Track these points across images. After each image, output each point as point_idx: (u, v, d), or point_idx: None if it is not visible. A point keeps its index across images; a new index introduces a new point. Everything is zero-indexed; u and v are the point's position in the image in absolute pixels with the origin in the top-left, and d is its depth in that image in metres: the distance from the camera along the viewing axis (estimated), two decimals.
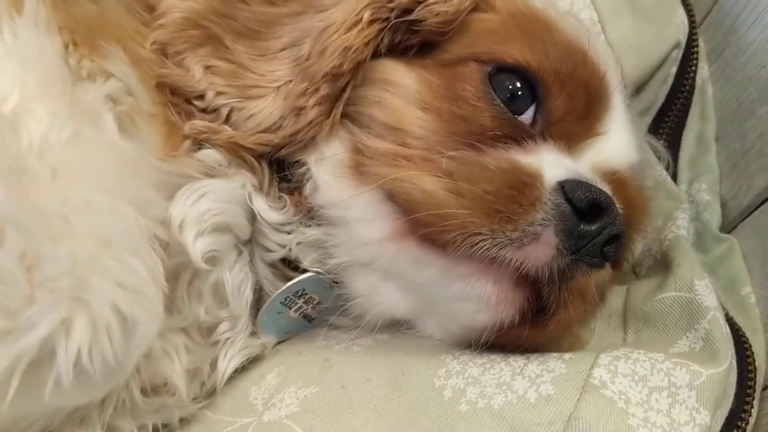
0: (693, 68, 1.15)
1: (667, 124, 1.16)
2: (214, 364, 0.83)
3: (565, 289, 0.71)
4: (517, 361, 0.73)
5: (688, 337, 0.79)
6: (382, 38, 0.81)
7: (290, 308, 0.84)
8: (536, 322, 0.73)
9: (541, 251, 0.69)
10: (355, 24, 0.78)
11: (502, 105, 0.77)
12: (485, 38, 0.83)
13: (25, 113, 0.68)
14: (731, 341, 0.80)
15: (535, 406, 0.67)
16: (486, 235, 0.69)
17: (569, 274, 0.71)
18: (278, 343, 0.90)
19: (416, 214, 0.72)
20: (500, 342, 0.74)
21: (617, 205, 0.72)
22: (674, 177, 1.13)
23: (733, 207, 1.08)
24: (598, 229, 0.70)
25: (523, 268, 0.70)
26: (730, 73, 1.15)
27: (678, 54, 1.13)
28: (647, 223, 0.94)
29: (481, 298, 0.72)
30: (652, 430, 0.65)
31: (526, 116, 0.79)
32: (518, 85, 0.79)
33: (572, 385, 0.68)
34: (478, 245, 0.69)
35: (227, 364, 0.82)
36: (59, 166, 0.61)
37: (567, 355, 0.73)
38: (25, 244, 0.56)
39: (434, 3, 0.80)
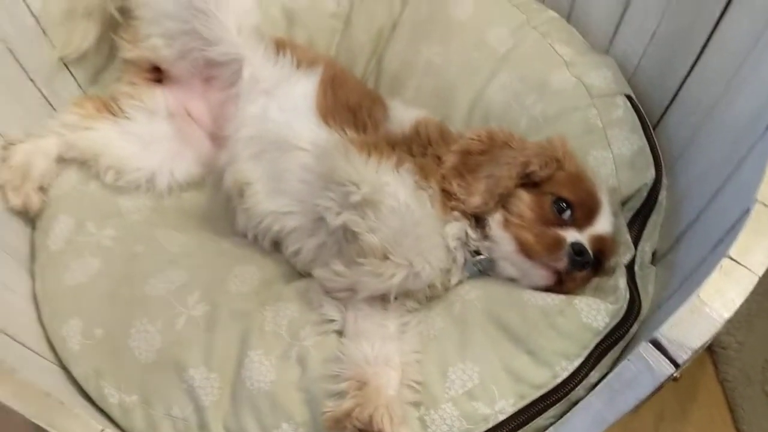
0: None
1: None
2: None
3: (570, 277, 1.66)
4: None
5: None
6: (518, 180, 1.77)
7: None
8: (562, 285, 1.66)
9: (561, 264, 1.64)
10: (510, 176, 1.77)
11: (557, 213, 1.73)
12: (557, 183, 1.77)
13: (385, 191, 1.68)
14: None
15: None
16: (544, 256, 1.67)
17: (572, 272, 1.64)
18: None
19: (524, 248, 1.72)
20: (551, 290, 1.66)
21: (590, 252, 1.65)
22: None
23: None
24: (582, 260, 1.63)
25: (556, 268, 1.67)
26: None
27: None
28: (615, 257, 1.79)
29: (542, 275, 1.70)
30: None
31: (566, 216, 1.72)
32: (563, 205, 1.74)
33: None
34: (541, 259, 1.68)
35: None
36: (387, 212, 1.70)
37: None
38: (398, 254, 1.61)
39: (540, 170, 1.79)
